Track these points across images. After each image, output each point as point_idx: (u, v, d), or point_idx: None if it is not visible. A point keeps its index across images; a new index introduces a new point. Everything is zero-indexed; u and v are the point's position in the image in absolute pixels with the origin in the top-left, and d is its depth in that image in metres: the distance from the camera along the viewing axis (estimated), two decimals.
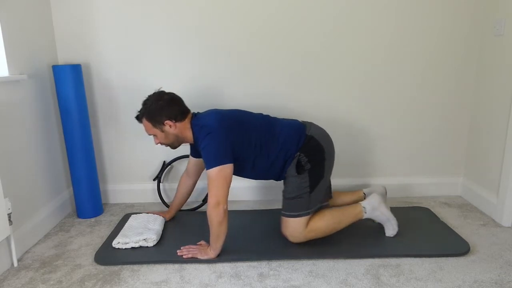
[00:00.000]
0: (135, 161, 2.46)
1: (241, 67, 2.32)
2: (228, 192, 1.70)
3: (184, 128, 1.82)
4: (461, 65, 2.34)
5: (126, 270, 1.71)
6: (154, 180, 2.46)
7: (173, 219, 2.18)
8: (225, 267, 1.72)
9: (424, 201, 2.44)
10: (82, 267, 1.74)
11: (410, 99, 2.39)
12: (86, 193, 2.25)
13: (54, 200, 2.21)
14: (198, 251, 1.78)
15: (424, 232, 1.98)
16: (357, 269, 1.69)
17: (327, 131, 2.23)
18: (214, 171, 1.67)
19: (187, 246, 1.82)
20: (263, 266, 1.73)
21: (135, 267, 1.73)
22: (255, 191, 2.51)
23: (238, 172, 1.84)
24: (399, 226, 1.93)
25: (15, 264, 1.77)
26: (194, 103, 2.32)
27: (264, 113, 1.95)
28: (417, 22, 2.27)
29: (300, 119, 2.04)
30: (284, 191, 1.86)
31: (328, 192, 1.99)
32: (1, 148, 1.76)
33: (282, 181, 1.90)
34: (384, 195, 2.12)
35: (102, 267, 1.74)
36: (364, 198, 2.10)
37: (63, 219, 2.28)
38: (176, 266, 1.74)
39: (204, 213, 2.28)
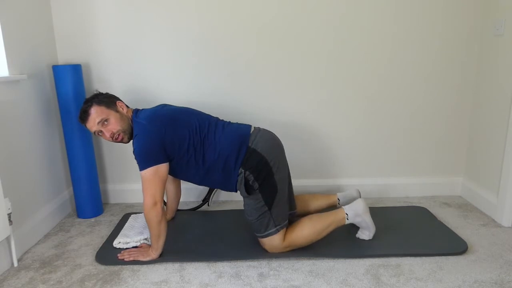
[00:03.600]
0: (135, 161, 2.45)
1: (241, 68, 2.32)
2: (164, 190, 1.69)
3: (129, 115, 1.80)
4: (461, 65, 2.34)
5: (126, 270, 1.71)
6: None
7: (173, 219, 2.19)
8: (225, 267, 1.72)
9: (424, 201, 2.44)
10: (82, 267, 1.74)
11: (409, 99, 2.39)
12: (86, 193, 2.25)
13: (54, 200, 2.21)
14: (139, 253, 1.76)
15: (422, 231, 1.99)
16: (357, 269, 1.69)
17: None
18: (148, 172, 1.65)
19: (127, 250, 1.80)
20: (263, 266, 1.73)
21: (135, 267, 1.73)
22: None
23: (174, 173, 1.79)
24: (394, 226, 1.92)
25: (15, 264, 1.77)
26: (193, 103, 2.33)
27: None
28: (417, 22, 2.27)
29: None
30: (244, 213, 1.78)
31: (292, 204, 1.92)
32: (1, 148, 1.76)
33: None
34: (359, 197, 2.10)
35: (102, 267, 1.74)
36: (338, 203, 2.09)
37: (63, 219, 2.28)
38: (176, 266, 1.74)
39: (205, 212, 2.30)
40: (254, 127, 1.85)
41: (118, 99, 1.84)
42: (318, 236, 1.79)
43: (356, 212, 1.83)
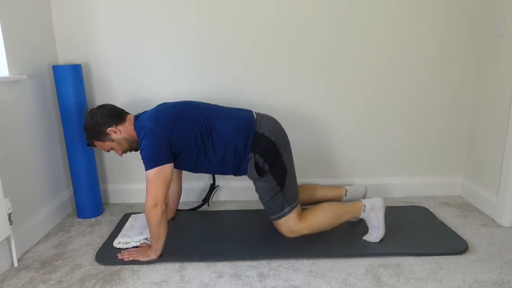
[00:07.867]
0: (135, 161, 2.46)
1: (241, 67, 2.32)
2: (166, 193, 1.70)
3: (128, 130, 1.81)
4: (461, 65, 2.34)
5: (126, 270, 1.71)
6: None
7: (173, 219, 2.19)
8: (225, 267, 1.72)
9: (424, 201, 2.44)
10: (82, 267, 1.74)
11: (410, 99, 2.39)
12: (86, 193, 2.25)
13: (54, 200, 2.21)
14: (139, 253, 1.77)
15: (423, 231, 1.99)
16: (357, 269, 1.69)
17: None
18: (152, 172, 1.66)
19: (127, 250, 1.81)
20: (263, 266, 1.73)
21: (135, 267, 1.73)
22: (254, 190, 2.51)
23: (185, 167, 1.82)
24: (394, 226, 1.93)
25: (15, 264, 1.77)
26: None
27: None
28: (417, 22, 2.27)
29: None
30: (258, 197, 1.83)
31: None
32: (1, 148, 1.76)
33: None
34: (365, 195, 2.17)
35: (102, 267, 1.74)
36: (346, 194, 2.14)
37: (63, 219, 2.28)
38: (176, 266, 1.74)
39: (205, 212, 2.30)
40: (255, 112, 1.88)
41: (106, 124, 1.78)
42: (334, 221, 1.83)
43: (372, 206, 1.85)
